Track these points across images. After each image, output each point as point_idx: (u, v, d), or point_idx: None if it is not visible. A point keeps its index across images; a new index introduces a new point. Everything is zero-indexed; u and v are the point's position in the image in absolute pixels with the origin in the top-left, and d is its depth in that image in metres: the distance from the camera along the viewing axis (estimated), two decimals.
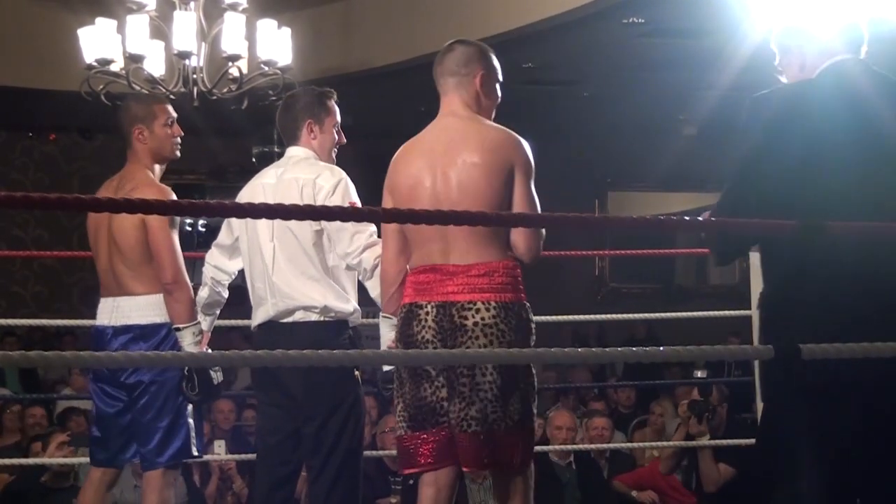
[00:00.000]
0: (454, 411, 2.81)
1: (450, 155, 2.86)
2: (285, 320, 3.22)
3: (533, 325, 2.91)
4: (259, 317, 3.27)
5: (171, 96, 5.38)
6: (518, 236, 2.87)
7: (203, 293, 3.45)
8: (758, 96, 2.45)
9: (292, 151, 3.36)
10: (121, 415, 3.52)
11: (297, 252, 3.20)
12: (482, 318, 2.78)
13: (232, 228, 3.39)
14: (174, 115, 3.62)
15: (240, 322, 3.79)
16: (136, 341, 3.44)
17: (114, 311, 3.49)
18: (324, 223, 3.18)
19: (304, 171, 3.26)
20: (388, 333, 3.02)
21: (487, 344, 2.77)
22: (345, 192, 3.24)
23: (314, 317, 3.20)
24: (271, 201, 3.03)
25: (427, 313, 2.83)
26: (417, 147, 2.95)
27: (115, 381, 3.49)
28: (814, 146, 2.34)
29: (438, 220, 2.25)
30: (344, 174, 3.27)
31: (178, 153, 3.62)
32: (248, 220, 3.26)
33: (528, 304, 2.90)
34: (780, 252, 2.38)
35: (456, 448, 2.85)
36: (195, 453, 3.55)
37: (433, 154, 2.88)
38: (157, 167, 3.58)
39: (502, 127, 2.96)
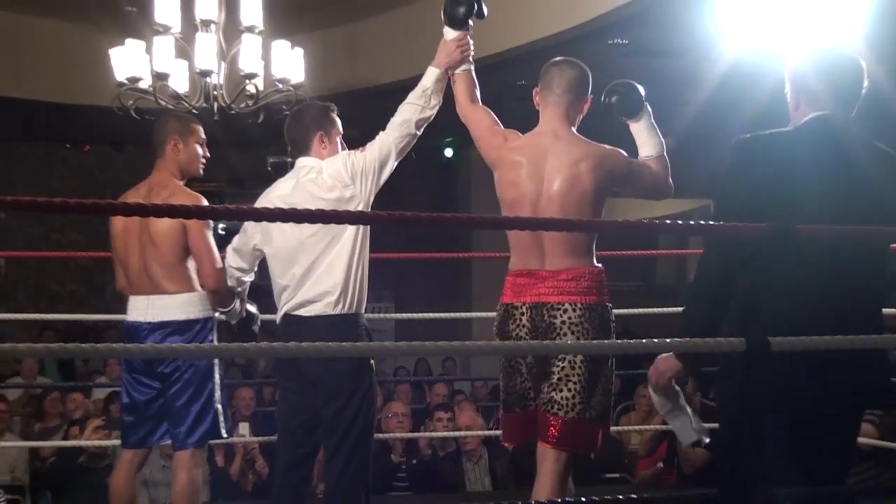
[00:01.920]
0: (543, 394, 2.90)
1: (554, 174, 2.93)
2: (307, 314, 3.19)
3: (613, 325, 2.97)
4: (283, 311, 3.25)
5: (194, 111, 5.39)
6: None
7: (231, 283, 3.45)
8: (738, 139, 2.43)
9: (304, 161, 3.31)
10: (153, 401, 3.53)
11: (319, 255, 3.18)
12: (569, 318, 2.86)
13: (248, 236, 3.36)
14: (205, 137, 3.64)
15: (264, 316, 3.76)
16: (172, 335, 3.43)
17: (148, 309, 3.47)
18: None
19: (316, 186, 3.23)
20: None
21: (573, 340, 2.86)
22: (348, 155, 3.24)
23: (332, 311, 3.17)
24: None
25: (522, 314, 2.92)
26: (526, 159, 2.99)
27: (151, 372, 3.50)
28: (777, 198, 2.32)
29: (450, 223, 2.24)
30: (348, 151, 3.27)
31: (201, 172, 3.62)
32: (273, 232, 3.24)
33: (610, 305, 2.96)
34: (752, 262, 2.37)
35: (537, 427, 2.94)
36: (224, 434, 3.57)
37: (538, 177, 2.95)
38: (181, 180, 3.57)
39: (597, 143, 3.04)
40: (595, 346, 2.89)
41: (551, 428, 2.88)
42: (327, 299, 3.15)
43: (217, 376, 3.53)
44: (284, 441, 3.32)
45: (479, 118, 3.16)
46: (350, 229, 3.16)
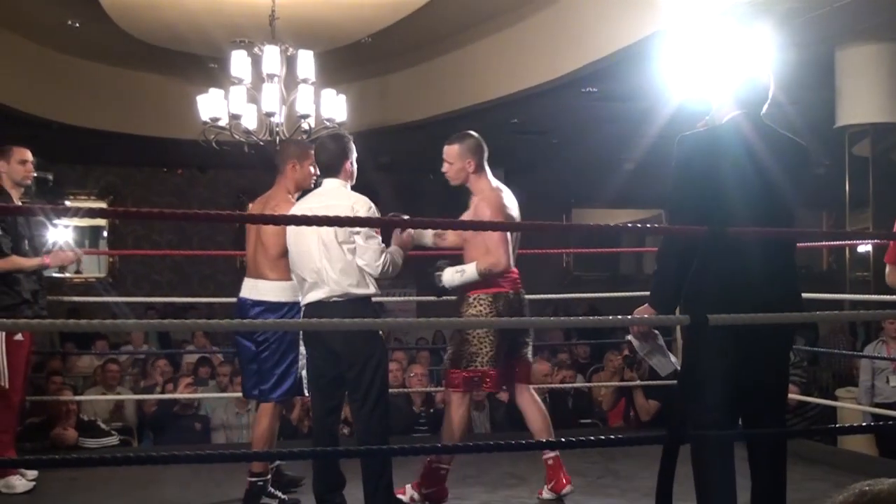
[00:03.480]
0: (522, 351, 3.45)
1: (517, 213, 3.42)
2: (327, 300, 3.14)
3: None
4: (310, 298, 3.18)
5: (261, 143, 5.40)
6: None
7: None
8: (681, 136, 2.46)
9: (330, 183, 3.24)
10: (251, 361, 3.48)
11: (336, 256, 3.14)
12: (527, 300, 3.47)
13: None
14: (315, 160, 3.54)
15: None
16: (266, 312, 3.40)
17: (253, 289, 3.45)
18: (357, 240, 3.13)
19: (341, 200, 3.15)
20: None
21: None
22: (373, 213, 3.16)
23: (346, 298, 3.13)
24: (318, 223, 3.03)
25: (511, 298, 3.37)
26: (511, 207, 3.40)
27: (251, 337, 3.46)
28: (715, 177, 2.36)
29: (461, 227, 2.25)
30: (370, 202, 3.16)
31: (312, 185, 3.52)
32: (299, 235, 3.19)
33: None
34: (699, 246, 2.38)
35: (518, 373, 3.46)
36: (306, 393, 3.39)
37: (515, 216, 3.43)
38: (295, 193, 3.52)
39: None
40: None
41: (525, 370, 3.49)
42: (342, 290, 3.12)
43: (302, 348, 3.37)
44: (316, 396, 3.26)
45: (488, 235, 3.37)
46: (357, 240, 3.12)
